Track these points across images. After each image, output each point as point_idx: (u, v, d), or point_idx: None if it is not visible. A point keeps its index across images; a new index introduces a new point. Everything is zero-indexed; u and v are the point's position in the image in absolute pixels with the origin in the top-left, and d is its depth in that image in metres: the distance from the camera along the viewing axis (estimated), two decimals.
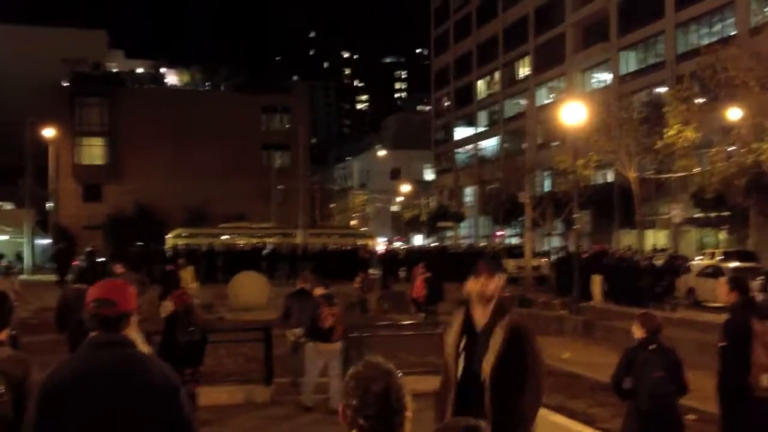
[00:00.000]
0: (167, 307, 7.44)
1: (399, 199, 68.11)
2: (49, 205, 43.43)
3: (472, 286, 3.72)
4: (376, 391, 2.02)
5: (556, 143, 37.25)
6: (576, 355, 15.00)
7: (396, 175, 74.03)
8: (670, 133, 26.70)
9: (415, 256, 32.72)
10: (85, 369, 2.57)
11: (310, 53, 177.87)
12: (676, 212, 27.43)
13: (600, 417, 8.75)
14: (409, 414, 2.08)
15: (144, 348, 3.39)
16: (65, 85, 55.90)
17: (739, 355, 5.33)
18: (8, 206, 47.77)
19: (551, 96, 54.84)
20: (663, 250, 30.15)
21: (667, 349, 5.31)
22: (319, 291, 9.21)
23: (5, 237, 40.98)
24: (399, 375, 2.11)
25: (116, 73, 63.93)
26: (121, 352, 2.63)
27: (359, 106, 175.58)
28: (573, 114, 23.28)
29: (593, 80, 51.01)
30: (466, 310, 3.77)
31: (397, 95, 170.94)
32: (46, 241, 43.64)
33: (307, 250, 34.34)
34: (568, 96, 41.28)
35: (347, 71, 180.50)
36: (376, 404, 2.01)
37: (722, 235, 34.17)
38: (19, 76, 57.63)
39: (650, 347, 5.21)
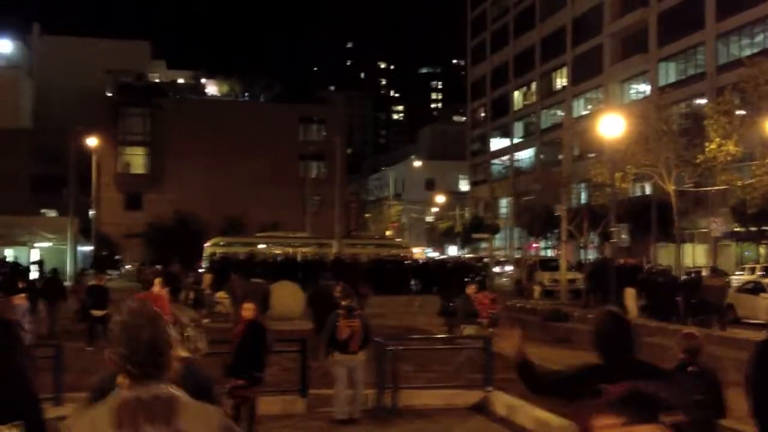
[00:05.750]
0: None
1: (434, 209, 68.06)
2: (91, 213, 44.54)
3: None
4: (144, 339, 2.05)
5: (593, 155, 36.88)
6: None
7: (431, 186, 74.04)
8: (711, 147, 26.28)
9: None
10: None
11: (347, 63, 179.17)
12: (716, 226, 26.94)
13: None
14: (175, 352, 2.14)
15: None
16: (109, 95, 57.31)
17: (761, 382, 5.22)
18: (52, 214, 49.10)
19: (588, 107, 54.37)
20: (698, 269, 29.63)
21: (707, 371, 5.12)
22: (345, 302, 9.41)
23: (48, 244, 42.08)
24: (164, 318, 2.15)
25: (158, 83, 65.32)
26: None
27: (395, 117, 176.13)
28: (611, 126, 23.09)
29: (631, 91, 50.44)
30: None
31: (433, 105, 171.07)
32: (88, 249, 44.74)
33: (341, 260, 34.57)
34: (606, 107, 40.88)
35: (383, 81, 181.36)
36: (144, 352, 2.04)
37: (763, 250, 33.43)
38: (63, 86, 59.25)
39: (689, 369, 5.04)
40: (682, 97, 40.21)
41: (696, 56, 43.74)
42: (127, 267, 44.68)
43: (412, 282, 34.13)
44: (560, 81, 60.16)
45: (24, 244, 41.23)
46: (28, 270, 32.94)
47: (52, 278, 19.96)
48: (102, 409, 2.02)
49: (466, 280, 19.90)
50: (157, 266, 25.78)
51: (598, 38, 53.13)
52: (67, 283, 26.46)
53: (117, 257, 49.03)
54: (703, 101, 37.43)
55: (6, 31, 63.16)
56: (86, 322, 15.60)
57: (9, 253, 39.76)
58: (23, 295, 14.58)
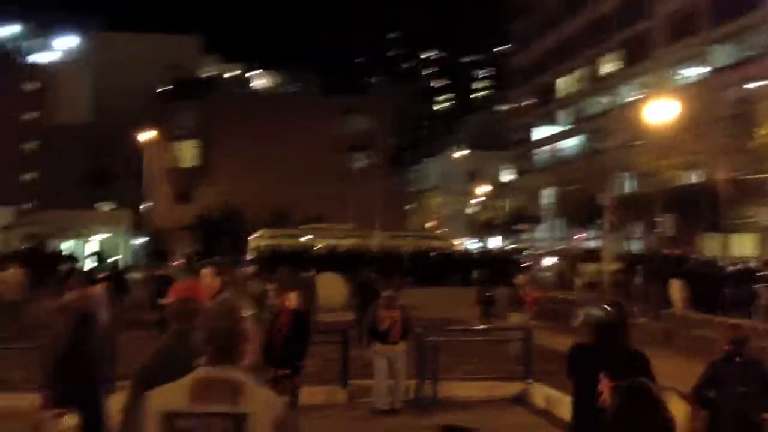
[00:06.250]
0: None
1: (475, 201, 67.61)
2: (144, 206, 45.79)
3: None
4: (221, 327, 2.38)
5: (640, 142, 36.18)
6: (657, 364, 14.69)
7: (473, 177, 73.55)
8: (762, 132, 25.54)
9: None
10: None
11: (391, 54, 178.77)
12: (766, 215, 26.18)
13: None
14: (250, 346, 2.42)
15: None
16: (162, 90, 58.59)
17: None
18: (106, 207, 50.69)
19: (637, 93, 53.19)
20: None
21: (755, 363, 5.08)
22: (385, 293, 9.58)
23: (103, 236, 43.45)
24: (244, 312, 2.45)
25: (209, 77, 66.55)
26: None
27: (437, 107, 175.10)
28: (660, 112, 22.61)
29: (682, 76, 49.13)
30: None
31: (475, 95, 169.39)
32: (141, 241, 45.98)
33: (384, 252, 34.83)
34: (655, 93, 39.95)
35: (426, 71, 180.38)
36: (220, 337, 2.37)
37: None
38: (119, 81, 60.84)
39: (736, 360, 5.03)
40: (736, 80, 39.00)
41: (751, 38, 42.35)
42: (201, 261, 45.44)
43: (455, 273, 34.17)
44: (607, 66, 58.95)
45: (80, 236, 42.60)
46: (105, 261, 34.01)
47: (115, 270, 20.81)
48: (180, 383, 2.32)
49: (521, 265, 20.04)
50: (216, 257, 26.38)
51: (648, 21, 51.84)
52: (135, 275, 27.35)
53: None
54: (757, 85, 36.25)
55: (68, 27, 65.22)
56: (158, 311, 16.12)
57: (66, 246, 41.18)
58: (102, 284, 14.90)
